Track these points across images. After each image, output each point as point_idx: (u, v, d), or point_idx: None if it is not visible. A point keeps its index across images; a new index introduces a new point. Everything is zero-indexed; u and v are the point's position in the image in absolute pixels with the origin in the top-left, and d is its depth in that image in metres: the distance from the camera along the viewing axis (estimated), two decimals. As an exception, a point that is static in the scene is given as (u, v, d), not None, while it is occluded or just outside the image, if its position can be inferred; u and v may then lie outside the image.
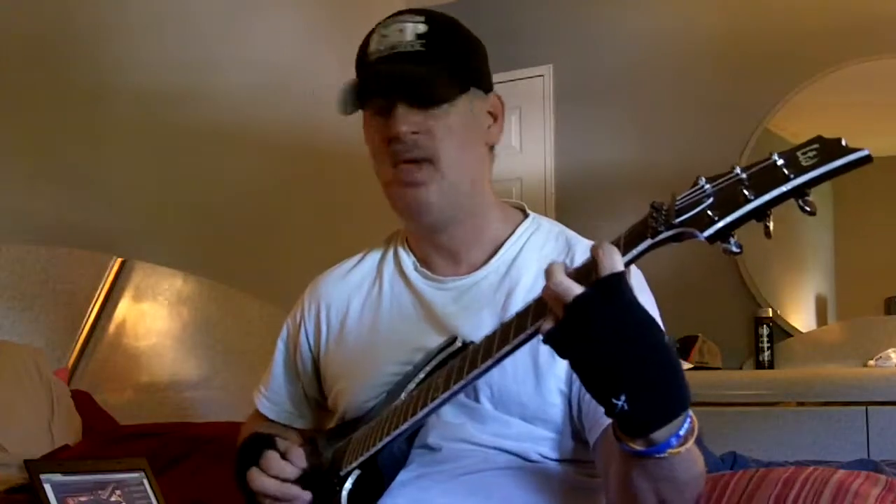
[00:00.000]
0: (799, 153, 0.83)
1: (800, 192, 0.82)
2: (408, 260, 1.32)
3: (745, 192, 0.83)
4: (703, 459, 1.04)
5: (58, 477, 1.75)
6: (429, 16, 1.23)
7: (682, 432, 0.92)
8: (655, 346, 0.89)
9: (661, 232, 0.88)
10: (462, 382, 1.04)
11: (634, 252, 0.90)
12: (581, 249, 1.26)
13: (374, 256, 1.38)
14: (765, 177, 0.83)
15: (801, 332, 3.72)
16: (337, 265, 1.42)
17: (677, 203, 0.88)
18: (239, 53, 3.60)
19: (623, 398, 0.88)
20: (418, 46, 1.20)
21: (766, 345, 3.63)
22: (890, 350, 3.43)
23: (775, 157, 0.83)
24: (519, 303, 1.21)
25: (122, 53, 3.26)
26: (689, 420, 0.93)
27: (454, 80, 1.21)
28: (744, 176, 0.84)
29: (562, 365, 1.17)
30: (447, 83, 1.21)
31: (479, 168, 1.26)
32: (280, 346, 1.46)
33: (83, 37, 3.16)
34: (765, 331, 3.63)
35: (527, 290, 1.23)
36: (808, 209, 0.83)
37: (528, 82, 4.31)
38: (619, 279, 0.89)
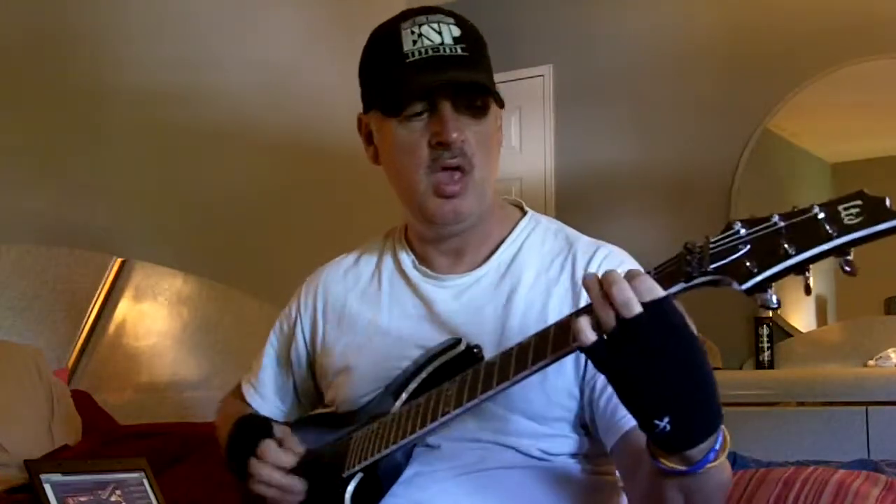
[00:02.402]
0: (841, 208, 0.81)
1: (841, 251, 0.81)
2: (406, 258, 1.32)
3: (786, 246, 0.82)
4: (730, 466, 1.05)
5: (58, 477, 1.75)
6: (458, 19, 1.21)
7: (717, 447, 0.92)
8: (700, 369, 0.89)
9: (695, 277, 0.88)
10: (475, 401, 1.04)
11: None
12: (581, 247, 1.25)
13: (372, 253, 1.38)
14: (805, 231, 0.82)
15: (801, 332, 3.72)
16: (333, 261, 1.42)
17: (711, 247, 0.87)
18: (239, 53, 3.60)
19: (666, 420, 0.88)
20: (460, 51, 1.18)
21: (766, 345, 3.63)
22: (890, 350, 3.43)
23: (816, 209, 0.82)
24: (521, 301, 1.22)
25: (122, 53, 3.25)
26: (721, 433, 0.93)
27: (493, 88, 1.21)
28: (782, 226, 0.83)
29: (570, 365, 1.17)
30: (491, 92, 1.20)
31: (496, 174, 1.27)
32: (272, 339, 1.46)
33: (83, 37, 3.16)
34: (765, 331, 3.63)
35: (528, 287, 1.23)
36: (847, 269, 0.81)
37: (528, 82, 4.31)
38: (668, 302, 0.89)
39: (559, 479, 1.19)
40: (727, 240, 0.86)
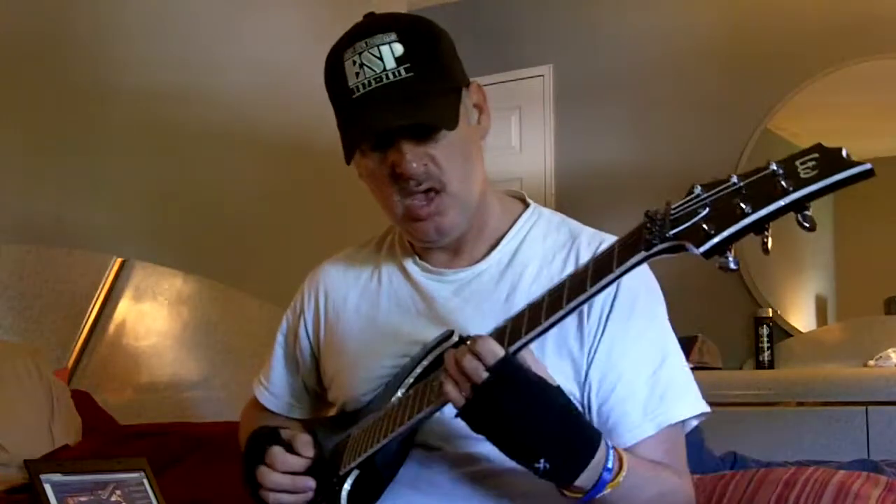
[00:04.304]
0: (798, 163, 0.80)
1: (799, 206, 0.79)
2: (405, 254, 1.31)
3: (742, 205, 0.80)
4: (666, 479, 1.08)
5: (58, 477, 1.75)
6: (399, 30, 1.15)
7: (609, 465, 0.97)
8: (553, 412, 0.96)
9: (654, 244, 0.86)
10: None
11: (627, 265, 0.89)
12: (585, 240, 1.23)
13: (372, 249, 1.37)
14: (762, 188, 0.80)
15: (801, 332, 3.72)
16: (335, 256, 1.41)
17: (672, 213, 0.85)
18: (239, 53, 3.60)
19: (542, 461, 0.94)
20: (404, 73, 1.13)
21: (766, 345, 3.63)
22: (890, 350, 3.43)
23: (773, 166, 0.80)
24: (523, 296, 1.19)
25: (122, 53, 3.26)
26: (611, 451, 0.98)
27: (448, 98, 1.16)
28: (740, 185, 0.82)
29: (569, 368, 1.16)
30: (445, 109, 1.15)
31: (481, 171, 1.23)
32: (280, 338, 1.45)
33: (83, 37, 3.16)
34: (765, 331, 3.63)
35: (530, 282, 1.21)
36: (806, 225, 0.79)
37: (528, 82, 4.31)
38: (508, 360, 0.95)
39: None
40: (687, 204, 0.85)
